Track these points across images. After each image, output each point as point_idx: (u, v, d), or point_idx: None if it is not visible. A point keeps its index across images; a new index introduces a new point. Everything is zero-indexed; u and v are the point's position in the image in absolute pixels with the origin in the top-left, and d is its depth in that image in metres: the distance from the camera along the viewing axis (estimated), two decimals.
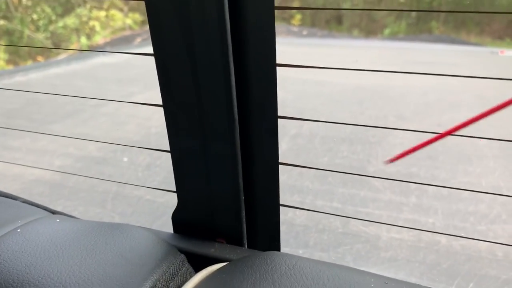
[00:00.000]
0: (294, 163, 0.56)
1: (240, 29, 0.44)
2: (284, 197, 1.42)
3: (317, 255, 1.10)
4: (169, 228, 0.58)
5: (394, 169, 1.63)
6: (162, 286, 0.46)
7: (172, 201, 1.44)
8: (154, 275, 0.46)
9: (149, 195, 1.47)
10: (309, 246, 1.18)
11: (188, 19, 0.42)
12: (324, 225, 1.27)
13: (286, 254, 0.47)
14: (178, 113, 0.49)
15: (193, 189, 0.54)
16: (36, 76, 3.38)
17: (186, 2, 0.42)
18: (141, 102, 0.53)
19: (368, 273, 0.44)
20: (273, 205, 0.54)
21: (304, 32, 7.17)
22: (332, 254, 1.14)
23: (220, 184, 0.52)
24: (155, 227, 1.25)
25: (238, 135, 0.49)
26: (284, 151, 1.86)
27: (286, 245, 1.19)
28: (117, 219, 1.33)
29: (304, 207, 0.52)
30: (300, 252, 1.11)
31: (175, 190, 0.56)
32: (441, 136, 0.38)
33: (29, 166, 1.57)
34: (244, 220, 0.55)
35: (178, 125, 0.50)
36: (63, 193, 1.49)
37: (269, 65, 0.45)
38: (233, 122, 0.47)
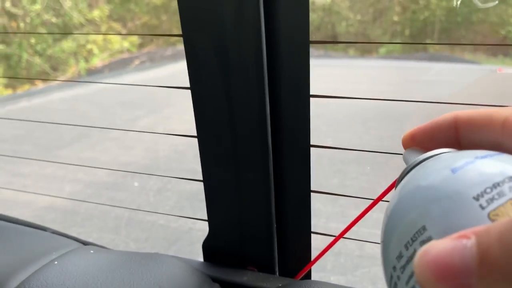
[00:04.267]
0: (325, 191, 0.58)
1: (275, 62, 0.45)
2: None
3: (335, 279, 1.10)
4: (184, 253, 0.58)
5: None
6: None
7: (185, 226, 1.43)
8: None
9: (162, 220, 1.47)
10: (326, 269, 1.17)
11: (226, 54, 0.44)
12: (340, 249, 1.27)
13: (320, 282, 0.48)
14: (212, 145, 0.50)
15: (225, 217, 0.55)
16: (40, 101, 3.39)
17: (224, 38, 0.43)
18: (174, 133, 0.54)
19: None
20: (304, 233, 0.55)
21: None
22: (350, 277, 1.14)
23: (252, 213, 0.53)
24: (170, 252, 1.24)
25: (272, 165, 0.50)
26: None
27: None
28: (132, 245, 1.32)
29: (330, 233, 0.53)
30: (318, 276, 1.10)
31: (205, 218, 0.56)
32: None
33: (40, 194, 1.57)
34: (275, 247, 0.55)
35: (212, 156, 0.51)
36: (75, 220, 1.49)
37: (303, 97, 0.46)
38: (267, 153, 0.48)
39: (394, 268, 0.17)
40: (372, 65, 5.83)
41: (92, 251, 0.55)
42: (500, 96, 2.72)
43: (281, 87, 0.47)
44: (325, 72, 4.52)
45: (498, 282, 0.13)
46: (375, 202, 0.35)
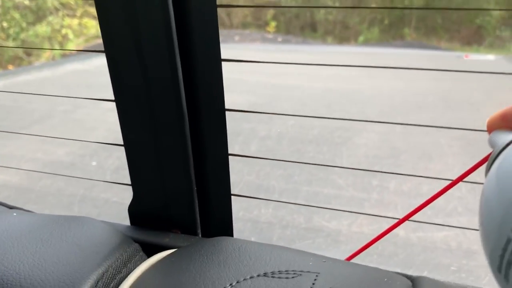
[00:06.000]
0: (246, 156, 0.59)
1: (185, 27, 0.46)
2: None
3: None
4: None
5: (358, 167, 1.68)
6: (114, 271, 0.47)
7: None
8: (107, 261, 0.47)
9: (116, 197, 1.48)
10: (272, 241, 1.21)
11: (135, 17, 0.45)
12: (288, 221, 1.30)
13: (233, 239, 0.50)
14: (129, 108, 0.51)
15: (147, 181, 0.56)
16: (4, 83, 3.33)
17: (133, 1, 0.44)
18: (103, 102, 0.55)
19: (308, 253, 0.47)
20: (224, 195, 0.57)
21: (279, 39, 7.25)
22: (294, 248, 1.17)
23: (173, 176, 0.54)
24: None
25: (188, 128, 0.51)
26: (253, 152, 1.90)
27: None
28: None
29: (258, 197, 0.55)
30: None
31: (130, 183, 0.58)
32: (398, 224, 0.42)
33: None
34: (197, 210, 0.57)
35: (130, 119, 0.52)
36: (30, 197, 1.49)
37: (214, 61, 0.48)
38: (182, 116, 0.50)
39: (510, 240, 0.18)
40: (348, 51, 5.90)
41: (15, 214, 0.55)
42: (460, 79, 2.80)
43: (193, 52, 0.48)
44: (300, 58, 4.54)
45: None
46: (452, 184, 0.35)
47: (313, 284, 0.43)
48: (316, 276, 0.44)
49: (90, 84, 3.07)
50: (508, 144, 0.20)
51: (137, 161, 0.55)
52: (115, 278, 0.47)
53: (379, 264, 1.10)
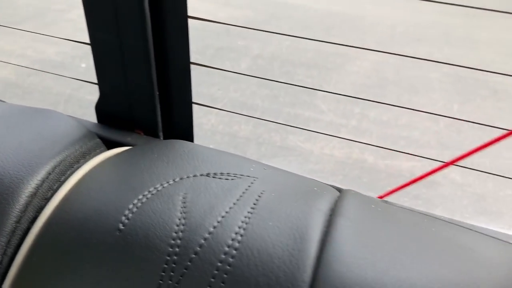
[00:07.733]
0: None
1: None
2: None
3: None
4: None
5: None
6: (72, 161, 0.51)
7: None
8: (66, 151, 0.51)
9: None
10: (246, 155, 1.25)
11: None
12: (264, 139, 1.34)
13: (185, 142, 0.53)
14: (95, 7, 0.52)
15: (112, 81, 0.58)
16: None
17: None
18: None
19: (253, 161, 0.51)
20: (186, 102, 0.59)
21: None
22: (265, 163, 1.22)
23: (136, 78, 0.56)
24: None
25: (151, 32, 0.52)
26: (243, 70, 1.89)
27: None
28: None
29: (216, 107, 0.58)
30: None
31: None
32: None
33: None
34: (159, 114, 0.60)
35: (95, 18, 0.53)
36: (17, 92, 1.50)
37: None
38: (144, 19, 0.51)
39: None
40: None
41: None
42: (471, 16, 2.71)
43: None
44: None
45: None
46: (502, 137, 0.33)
47: (249, 186, 0.46)
48: (254, 180, 0.47)
49: None
50: None
51: (103, 60, 0.57)
52: (72, 167, 0.50)
53: (342, 185, 1.15)
